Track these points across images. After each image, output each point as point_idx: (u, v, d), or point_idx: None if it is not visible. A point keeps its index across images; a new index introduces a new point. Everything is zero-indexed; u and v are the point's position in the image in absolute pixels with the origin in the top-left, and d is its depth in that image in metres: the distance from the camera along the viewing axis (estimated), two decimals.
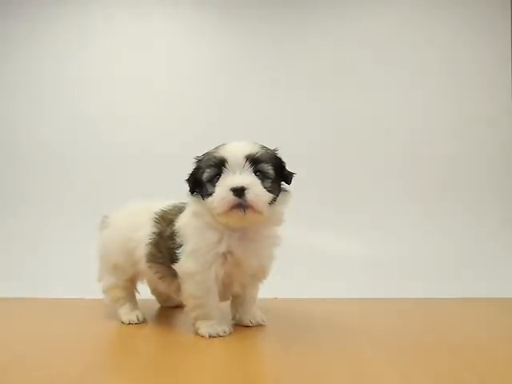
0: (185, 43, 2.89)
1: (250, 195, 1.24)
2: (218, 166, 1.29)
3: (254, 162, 1.29)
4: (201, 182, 1.34)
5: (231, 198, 1.25)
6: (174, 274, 1.39)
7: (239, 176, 1.26)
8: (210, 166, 1.31)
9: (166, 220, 1.44)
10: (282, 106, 2.82)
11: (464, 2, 2.82)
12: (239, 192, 1.24)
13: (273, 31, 2.86)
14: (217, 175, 1.30)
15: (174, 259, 1.37)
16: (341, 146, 2.80)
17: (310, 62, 2.85)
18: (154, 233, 1.44)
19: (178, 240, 1.37)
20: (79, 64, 2.86)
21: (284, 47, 2.86)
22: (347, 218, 2.70)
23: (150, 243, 1.44)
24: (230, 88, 2.85)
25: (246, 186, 1.24)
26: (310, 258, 2.41)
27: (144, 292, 1.69)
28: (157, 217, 1.46)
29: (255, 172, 1.29)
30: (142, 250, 1.45)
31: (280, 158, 1.38)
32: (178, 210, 1.45)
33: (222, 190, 1.26)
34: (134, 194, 1.59)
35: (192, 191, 1.38)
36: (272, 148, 1.38)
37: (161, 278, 1.47)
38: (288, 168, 1.39)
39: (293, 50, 2.86)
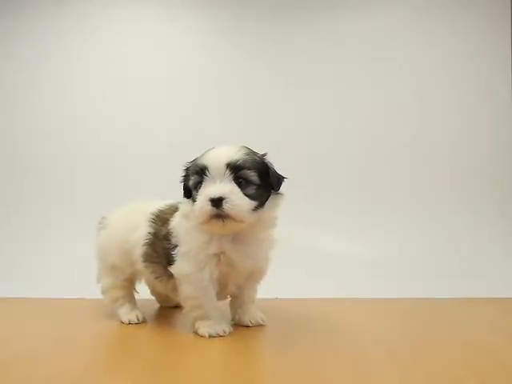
0: (184, 43, 2.90)
1: (227, 205, 1.23)
2: (200, 174, 1.28)
3: (235, 169, 1.26)
4: (189, 188, 1.34)
5: (209, 208, 1.24)
6: (170, 274, 1.39)
7: (218, 185, 1.25)
8: (193, 174, 1.31)
9: (162, 220, 1.44)
10: (282, 106, 2.83)
11: (464, 2, 2.82)
12: (217, 202, 1.23)
13: (273, 32, 2.87)
14: (199, 183, 1.29)
15: (169, 260, 1.37)
16: (341, 146, 2.80)
17: (310, 62, 2.85)
18: (149, 233, 1.44)
19: (173, 240, 1.37)
20: (79, 63, 2.87)
21: (284, 48, 2.86)
22: (347, 217, 2.70)
23: (146, 243, 1.44)
24: (230, 88, 2.85)
25: (223, 196, 1.23)
26: (309, 258, 2.41)
27: (143, 292, 1.69)
28: (153, 217, 1.46)
29: (237, 179, 1.26)
30: (139, 250, 1.45)
31: (267, 164, 1.34)
32: (174, 209, 1.45)
33: (201, 200, 1.26)
34: (134, 194, 1.59)
35: (187, 196, 1.38)
36: (261, 152, 1.35)
37: (157, 278, 1.47)
38: (286, 170, 1.37)
39: (293, 50, 2.86)
